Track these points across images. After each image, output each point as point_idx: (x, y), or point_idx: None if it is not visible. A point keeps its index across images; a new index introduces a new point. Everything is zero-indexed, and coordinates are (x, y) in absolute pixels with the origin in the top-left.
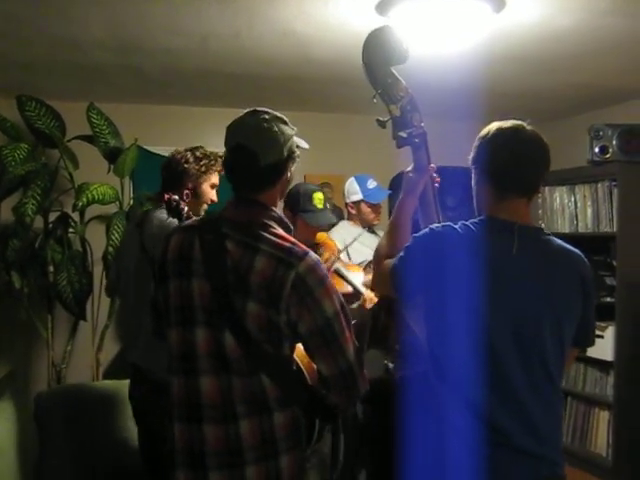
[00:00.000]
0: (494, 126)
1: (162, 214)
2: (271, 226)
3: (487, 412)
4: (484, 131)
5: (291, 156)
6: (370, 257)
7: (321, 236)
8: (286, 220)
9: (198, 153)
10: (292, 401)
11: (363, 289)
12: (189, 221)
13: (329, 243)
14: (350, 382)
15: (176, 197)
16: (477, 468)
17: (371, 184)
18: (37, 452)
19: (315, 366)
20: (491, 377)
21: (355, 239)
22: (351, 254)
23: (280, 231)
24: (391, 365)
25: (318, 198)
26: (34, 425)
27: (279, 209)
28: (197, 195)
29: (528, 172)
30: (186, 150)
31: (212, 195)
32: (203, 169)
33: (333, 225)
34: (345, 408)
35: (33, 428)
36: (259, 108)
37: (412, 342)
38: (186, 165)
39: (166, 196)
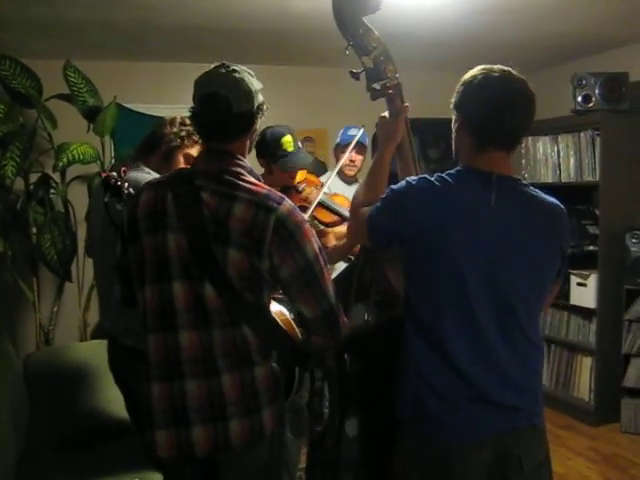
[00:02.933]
0: (480, 72)
1: (133, 173)
2: (244, 174)
3: (461, 364)
4: (469, 75)
5: (260, 108)
6: None
7: (301, 174)
8: (255, 172)
9: (187, 120)
10: (273, 348)
11: None
12: (158, 177)
13: (310, 178)
14: (333, 322)
15: (114, 174)
16: (453, 421)
17: (350, 131)
18: (27, 411)
19: (289, 317)
20: (466, 330)
21: (334, 172)
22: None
23: (253, 179)
24: (367, 317)
25: (287, 141)
26: (24, 386)
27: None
28: (168, 161)
29: (511, 126)
30: (180, 116)
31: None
32: (183, 133)
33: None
34: (327, 349)
35: (24, 389)
36: (227, 62)
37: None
38: (168, 128)
39: (103, 174)
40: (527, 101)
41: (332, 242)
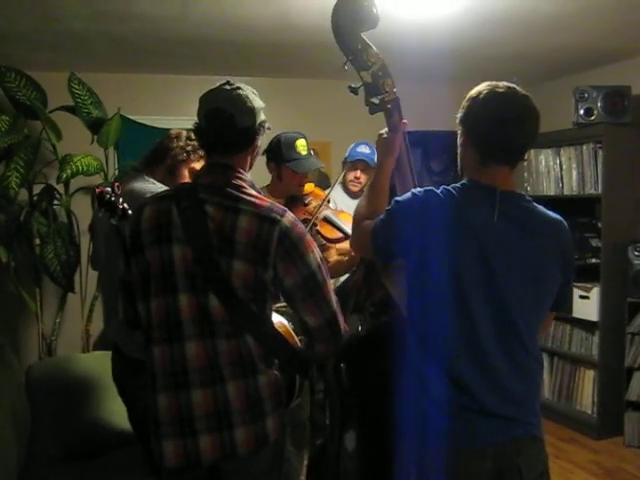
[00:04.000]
0: (485, 88)
1: (137, 184)
2: (245, 188)
3: (462, 376)
4: (474, 91)
5: (262, 125)
6: None
7: (309, 186)
8: (256, 186)
9: (193, 135)
10: (275, 357)
11: None
12: (161, 192)
13: (317, 192)
14: (335, 330)
15: (109, 189)
16: (452, 431)
17: (359, 147)
18: (29, 422)
19: (291, 329)
20: (467, 343)
21: (336, 180)
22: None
23: (254, 192)
24: (360, 328)
25: (301, 144)
26: (26, 396)
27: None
28: (173, 174)
29: (515, 142)
30: (186, 130)
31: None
32: (189, 148)
33: (322, 180)
34: (330, 356)
35: (25, 399)
36: (231, 80)
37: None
38: (175, 142)
39: (97, 189)
40: (531, 117)
41: (334, 257)
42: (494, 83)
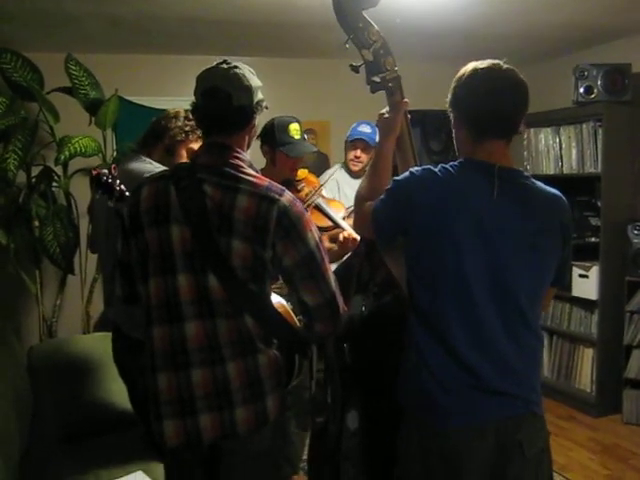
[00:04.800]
0: (469, 67)
1: (135, 165)
2: (244, 167)
3: (462, 352)
4: (460, 73)
5: (260, 104)
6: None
7: (302, 172)
8: (254, 166)
9: (190, 114)
10: (274, 336)
11: (344, 223)
12: (158, 172)
13: (310, 178)
14: (335, 309)
15: (105, 171)
16: (454, 408)
17: (360, 126)
18: (31, 403)
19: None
20: (468, 319)
21: (330, 176)
22: (342, 200)
23: (253, 172)
24: (364, 308)
25: (294, 129)
26: (28, 378)
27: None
28: (171, 155)
29: (506, 114)
30: (184, 109)
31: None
32: (187, 128)
33: (319, 164)
34: (329, 335)
35: (27, 381)
36: (228, 59)
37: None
38: (173, 121)
39: (94, 172)
40: (516, 87)
41: (326, 244)
42: (477, 62)
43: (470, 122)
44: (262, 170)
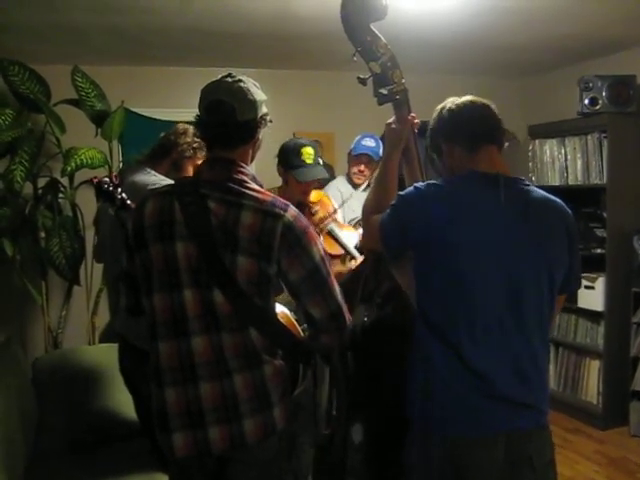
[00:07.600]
0: (446, 102)
1: (139, 177)
2: (247, 182)
3: (475, 361)
4: (437, 110)
5: (264, 118)
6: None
7: (317, 194)
8: (258, 179)
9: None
10: (278, 347)
11: (356, 252)
12: (161, 187)
13: (325, 201)
14: (341, 321)
15: (106, 179)
16: (465, 418)
17: (364, 140)
18: (36, 414)
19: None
20: (480, 328)
21: (347, 199)
22: (345, 212)
23: (256, 187)
24: (366, 319)
25: (307, 153)
26: (33, 389)
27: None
28: (178, 170)
29: (491, 120)
30: (191, 123)
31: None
32: (195, 145)
33: (326, 181)
34: (335, 347)
35: (32, 392)
36: (233, 73)
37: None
38: (182, 137)
39: (95, 179)
40: (490, 106)
41: (336, 267)
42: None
43: (461, 135)
44: (279, 189)
